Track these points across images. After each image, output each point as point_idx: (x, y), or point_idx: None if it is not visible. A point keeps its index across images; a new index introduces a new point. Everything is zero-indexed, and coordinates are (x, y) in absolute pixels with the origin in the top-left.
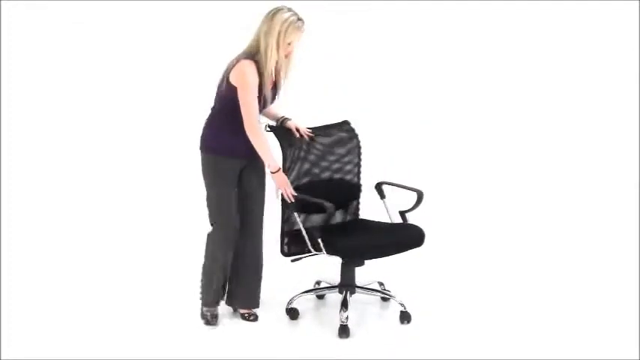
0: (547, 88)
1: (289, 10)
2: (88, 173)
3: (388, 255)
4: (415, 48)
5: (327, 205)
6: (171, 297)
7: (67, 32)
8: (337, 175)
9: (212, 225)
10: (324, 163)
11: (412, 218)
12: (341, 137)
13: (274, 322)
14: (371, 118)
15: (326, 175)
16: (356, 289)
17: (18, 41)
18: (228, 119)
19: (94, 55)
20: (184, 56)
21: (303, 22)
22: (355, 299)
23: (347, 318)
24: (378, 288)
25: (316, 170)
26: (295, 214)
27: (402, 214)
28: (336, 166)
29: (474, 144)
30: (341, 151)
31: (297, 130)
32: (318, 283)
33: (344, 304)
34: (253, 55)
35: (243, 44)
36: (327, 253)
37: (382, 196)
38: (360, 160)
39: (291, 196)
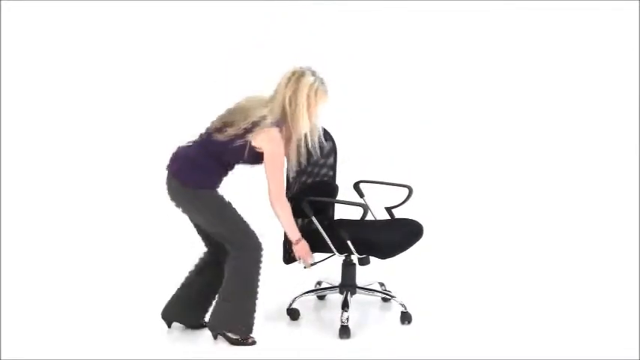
0: (541, 85)
1: (312, 73)
2: (88, 174)
3: (407, 249)
4: (405, 49)
5: (364, 204)
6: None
7: (66, 32)
8: (317, 179)
9: (237, 251)
10: (308, 168)
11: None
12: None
13: (275, 323)
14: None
15: (306, 178)
16: (357, 289)
17: (18, 41)
18: (225, 163)
19: (94, 55)
20: (182, 58)
21: (327, 86)
22: (356, 300)
23: (348, 318)
24: (379, 288)
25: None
26: (313, 218)
27: (389, 210)
28: (315, 169)
29: (462, 143)
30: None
31: None
32: (318, 283)
33: (345, 305)
34: (278, 120)
35: (240, 47)
36: (359, 253)
37: (361, 195)
38: (335, 161)
39: (309, 265)
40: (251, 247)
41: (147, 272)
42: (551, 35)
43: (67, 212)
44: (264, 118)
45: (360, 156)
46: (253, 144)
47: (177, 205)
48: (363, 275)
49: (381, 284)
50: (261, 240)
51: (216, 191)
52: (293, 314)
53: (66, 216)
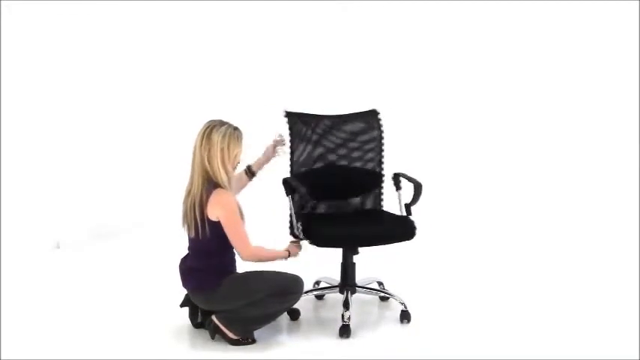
0: (550, 88)
1: (221, 123)
2: (88, 173)
3: (372, 245)
4: (405, 46)
5: (302, 190)
6: (170, 297)
7: (66, 32)
8: (358, 164)
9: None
10: (342, 151)
11: (423, 213)
12: (364, 125)
13: (274, 323)
14: (400, 110)
15: (344, 162)
16: (356, 288)
17: (18, 41)
18: (220, 249)
19: (93, 54)
20: (182, 58)
21: (240, 131)
22: (355, 299)
23: (348, 318)
24: (378, 287)
25: (332, 156)
26: (289, 197)
27: (407, 206)
28: (356, 154)
29: (490, 145)
30: (363, 139)
31: (273, 146)
32: (317, 283)
33: (345, 304)
34: (211, 181)
35: (240, 47)
36: (311, 243)
37: (398, 187)
38: (382, 149)
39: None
40: (290, 290)
41: (146, 272)
42: (552, 31)
43: (67, 212)
44: (198, 187)
45: (412, 149)
46: (211, 218)
47: (214, 309)
48: (362, 274)
49: (380, 283)
50: (260, 243)
51: (227, 276)
52: (293, 314)
53: (65, 216)
